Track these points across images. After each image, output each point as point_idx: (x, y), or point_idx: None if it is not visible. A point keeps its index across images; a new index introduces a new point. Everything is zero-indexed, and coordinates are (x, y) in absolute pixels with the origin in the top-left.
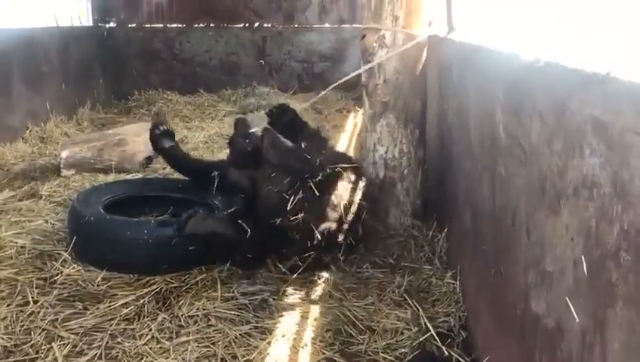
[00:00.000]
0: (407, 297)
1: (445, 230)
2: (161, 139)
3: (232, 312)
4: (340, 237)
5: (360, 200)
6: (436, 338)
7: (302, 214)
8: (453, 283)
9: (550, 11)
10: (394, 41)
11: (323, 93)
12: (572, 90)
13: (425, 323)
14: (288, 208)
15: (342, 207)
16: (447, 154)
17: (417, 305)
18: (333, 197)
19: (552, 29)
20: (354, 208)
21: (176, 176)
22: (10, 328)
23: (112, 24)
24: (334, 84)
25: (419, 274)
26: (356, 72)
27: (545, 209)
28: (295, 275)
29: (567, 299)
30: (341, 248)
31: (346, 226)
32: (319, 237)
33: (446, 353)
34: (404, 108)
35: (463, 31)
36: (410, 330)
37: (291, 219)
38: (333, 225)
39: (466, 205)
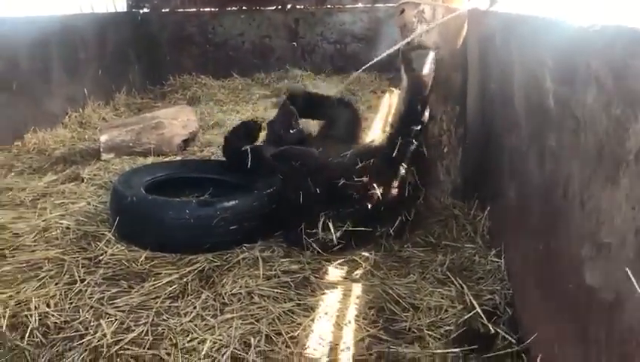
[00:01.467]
0: (450, 275)
1: (488, 208)
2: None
3: (275, 290)
4: (397, 210)
5: (418, 179)
6: (482, 315)
7: (364, 178)
8: (497, 261)
9: None
10: (433, 15)
11: (361, 70)
12: (634, 52)
13: (470, 301)
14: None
15: (403, 181)
16: (489, 129)
17: (461, 283)
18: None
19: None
20: (413, 185)
21: (214, 158)
22: (59, 305)
23: (145, 9)
24: (375, 60)
25: (461, 252)
26: (396, 47)
27: (601, 178)
28: (336, 249)
29: (627, 270)
30: (395, 222)
31: (403, 200)
32: (380, 197)
33: (492, 330)
34: (444, 84)
35: (505, 3)
36: (455, 308)
37: (356, 179)
38: (393, 194)
39: (510, 180)
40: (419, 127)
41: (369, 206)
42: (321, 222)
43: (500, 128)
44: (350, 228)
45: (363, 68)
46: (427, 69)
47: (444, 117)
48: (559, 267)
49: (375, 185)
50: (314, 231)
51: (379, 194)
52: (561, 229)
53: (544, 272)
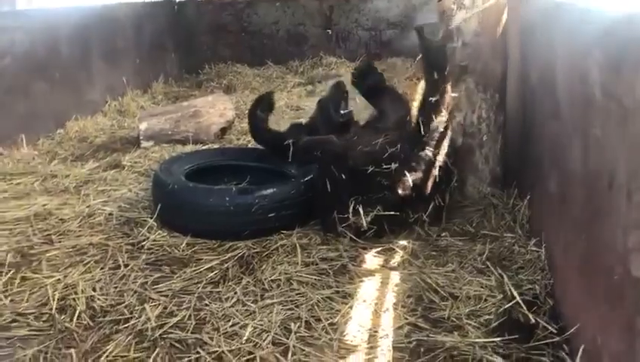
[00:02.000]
0: (489, 264)
1: (528, 197)
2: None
3: (314, 277)
4: (428, 195)
5: (450, 163)
6: (522, 305)
7: (396, 165)
8: (538, 251)
9: None
10: (473, 2)
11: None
12: None
13: (510, 290)
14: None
15: (433, 166)
16: (530, 118)
17: (501, 273)
18: (426, 154)
19: None
20: (444, 170)
21: (252, 145)
22: (104, 289)
23: None
24: None
25: (500, 242)
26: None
27: None
28: (369, 234)
29: None
30: (428, 208)
31: (434, 185)
32: (411, 184)
33: (532, 320)
34: (483, 72)
35: None
36: (495, 297)
37: (384, 166)
38: (424, 179)
39: (551, 170)
40: (436, 98)
41: (399, 191)
42: (350, 208)
43: (541, 117)
44: (380, 213)
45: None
46: (440, 35)
47: (483, 105)
48: (603, 258)
49: (403, 170)
50: (346, 216)
51: (408, 179)
52: (606, 220)
53: (587, 263)
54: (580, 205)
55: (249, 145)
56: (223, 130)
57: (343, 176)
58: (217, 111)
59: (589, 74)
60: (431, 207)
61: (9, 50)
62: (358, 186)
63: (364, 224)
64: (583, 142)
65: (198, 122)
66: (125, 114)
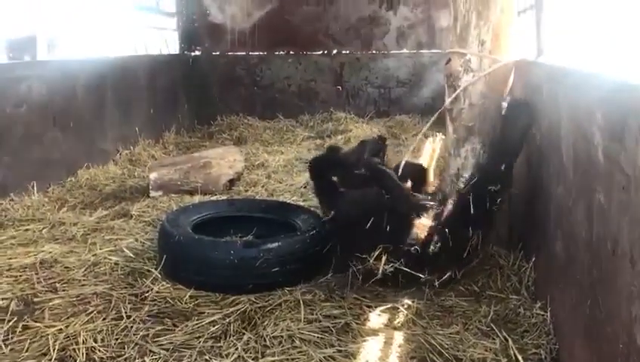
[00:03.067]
0: (494, 327)
1: (533, 258)
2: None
3: (316, 334)
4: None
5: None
6: None
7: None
8: (543, 314)
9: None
10: (480, 65)
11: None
12: None
13: (514, 354)
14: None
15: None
16: (536, 179)
17: (506, 336)
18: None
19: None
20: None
21: (259, 197)
22: (106, 341)
23: (197, 52)
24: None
25: (505, 303)
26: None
27: None
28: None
29: None
30: (444, 275)
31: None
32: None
33: None
34: (489, 133)
35: (553, 54)
36: (499, 361)
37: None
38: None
39: (556, 232)
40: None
41: (428, 252)
42: (376, 253)
43: (546, 179)
44: (400, 268)
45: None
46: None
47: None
48: (608, 324)
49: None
50: (364, 257)
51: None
52: (610, 286)
53: (592, 328)
54: (584, 270)
55: (257, 196)
56: (232, 182)
57: (385, 220)
58: (227, 162)
59: (592, 139)
60: (447, 275)
61: (26, 98)
62: (393, 234)
63: (380, 272)
64: (587, 206)
65: (208, 173)
66: (136, 163)
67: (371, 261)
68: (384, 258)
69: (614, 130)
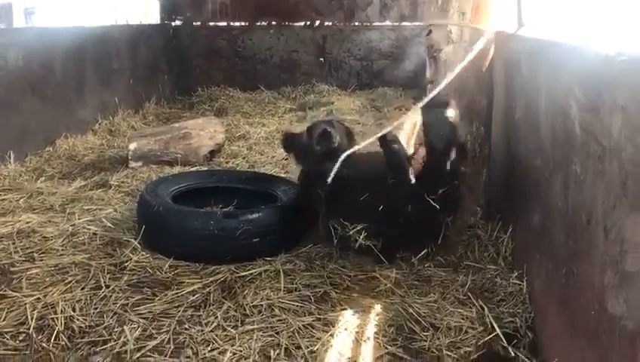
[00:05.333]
0: (471, 296)
1: (510, 230)
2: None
3: (295, 303)
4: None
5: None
6: (502, 338)
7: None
8: (519, 284)
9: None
10: (460, 36)
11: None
12: None
13: (490, 323)
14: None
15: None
16: (514, 151)
17: (482, 304)
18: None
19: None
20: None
21: (239, 168)
22: (84, 310)
23: (178, 22)
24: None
25: (483, 273)
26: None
27: (625, 207)
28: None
29: None
30: (421, 251)
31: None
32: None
33: (512, 353)
34: (469, 105)
35: (533, 27)
36: (475, 329)
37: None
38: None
39: (534, 204)
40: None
41: (404, 231)
42: (357, 228)
43: (524, 151)
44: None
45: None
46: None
47: (468, 137)
48: (582, 293)
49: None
50: (345, 229)
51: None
52: (584, 255)
53: (566, 297)
54: (560, 240)
55: (237, 168)
56: (213, 153)
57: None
58: (207, 133)
59: (569, 111)
60: (424, 252)
61: (2, 66)
62: (373, 212)
63: (356, 245)
64: (563, 178)
65: (188, 144)
66: (116, 134)
67: (351, 231)
68: (364, 233)
69: (590, 102)
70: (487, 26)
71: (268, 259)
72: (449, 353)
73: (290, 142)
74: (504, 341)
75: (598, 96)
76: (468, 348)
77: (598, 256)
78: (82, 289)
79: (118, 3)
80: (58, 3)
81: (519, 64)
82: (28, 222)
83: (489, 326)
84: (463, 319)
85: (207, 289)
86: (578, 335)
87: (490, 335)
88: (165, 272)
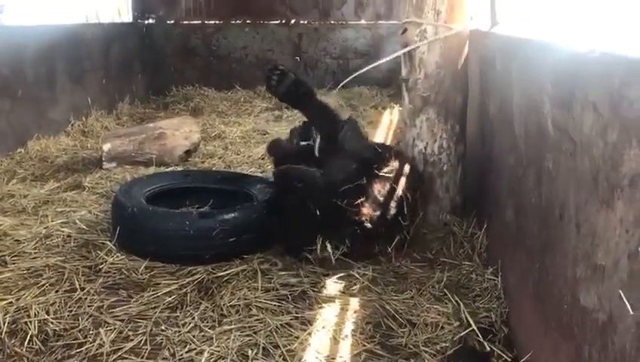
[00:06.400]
0: (447, 292)
1: (485, 226)
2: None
3: (273, 303)
4: (395, 229)
5: (417, 197)
6: (478, 333)
7: (363, 198)
8: (494, 279)
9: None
10: (435, 35)
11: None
12: (630, 80)
13: (466, 318)
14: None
15: (402, 200)
16: (489, 149)
17: (458, 300)
18: (395, 188)
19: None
20: (412, 204)
21: (215, 168)
22: (59, 313)
23: (151, 20)
24: (355, 74)
25: (458, 269)
26: (385, 59)
27: (596, 202)
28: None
29: (620, 292)
30: (393, 241)
31: (403, 220)
32: (378, 221)
33: (487, 348)
34: (444, 103)
35: (507, 25)
36: (451, 325)
37: (354, 201)
38: (392, 214)
39: (508, 200)
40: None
41: (367, 226)
42: (319, 245)
43: (499, 148)
44: (348, 247)
45: (347, 79)
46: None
47: (444, 135)
48: (554, 287)
49: (373, 205)
50: (314, 248)
51: (377, 214)
52: (557, 250)
53: (540, 292)
54: (534, 235)
55: (213, 168)
56: (188, 153)
57: (318, 212)
58: (182, 133)
59: (542, 108)
60: (397, 239)
61: None
62: (329, 220)
63: (333, 259)
64: (536, 174)
65: (163, 144)
66: (89, 134)
67: (319, 252)
68: (329, 246)
69: (563, 99)
70: (462, 25)
71: (245, 258)
72: (426, 349)
73: (275, 148)
74: (480, 336)
75: (570, 93)
76: (444, 344)
77: (571, 249)
78: (56, 292)
79: (89, 1)
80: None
81: (493, 62)
82: None
83: (465, 321)
84: (439, 315)
85: (184, 290)
86: (552, 328)
87: (466, 331)
88: (141, 274)
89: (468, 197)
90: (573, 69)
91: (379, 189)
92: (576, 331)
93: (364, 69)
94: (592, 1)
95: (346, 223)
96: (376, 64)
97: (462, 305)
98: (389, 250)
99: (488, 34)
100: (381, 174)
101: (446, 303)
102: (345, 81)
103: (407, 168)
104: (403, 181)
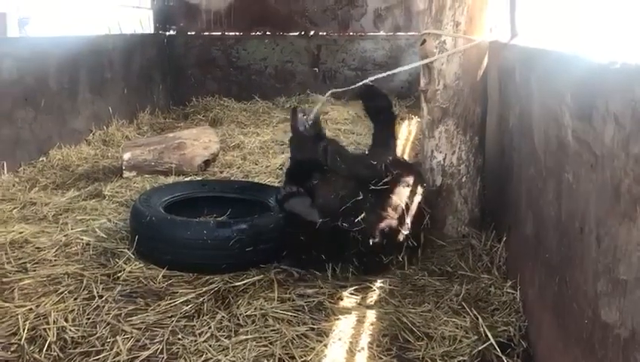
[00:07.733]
0: (465, 305)
1: (504, 239)
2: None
3: (289, 313)
4: (401, 238)
5: (422, 205)
6: (496, 347)
7: (363, 215)
8: (513, 293)
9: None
10: (455, 46)
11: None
12: None
13: (484, 332)
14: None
15: (403, 210)
16: (508, 160)
17: (476, 314)
18: (394, 199)
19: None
20: (415, 212)
21: (234, 178)
22: (77, 320)
23: (172, 32)
24: (357, 85)
25: (477, 283)
26: (399, 69)
27: (618, 215)
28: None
29: None
30: (402, 250)
31: (407, 229)
32: (380, 234)
33: None
34: (463, 115)
35: (526, 36)
36: (469, 338)
37: (354, 220)
38: (394, 225)
39: (527, 213)
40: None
41: (370, 243)
42: (329, 271)
43: (518, 160)
44: (357, 268)
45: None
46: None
47: (462, 146)
48: (575, 301)
49: (373, 222)
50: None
51: (379, 230)
52: (577, 264)
53: (560, 306)
54: (553, 248)
55: (232, 178)
56: (207, 163)
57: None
58: (202, 143)
59: (562, 120)
60: (404, 250)
61: None
62: (332, 244)
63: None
64: (556, 186)
65: (182, 154)
66: (109, 143)
67: (330, 277)
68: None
69: (583, 111)
70: (481, 36)
71: (262, 267)
72: None
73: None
74: (498, 350)
75: (591, 105)
76: (462, 358)
77: (591, 264)
78: (75, 299)
79: (111, 12)
80: (52, 13)
81: (513, 73)
82: (21, 233)
83: (483, 335)
84: (457, 328)
85: (201, 299)
86: (572, 343)
87: (484, 345)
88: (159, 282)
89: (487, 209)
90: (594, 80)
91: (377, 203)
92: (597, 347)
93: (373, 78)
94: (611, 12)
95: (348, 244)
96: (385, 74)
97: (480, 319)
98: (400, 258)
99: (508, 45)
100: (377, 188)
101: (464, 316)
102: (353, 87)
103: (408, 176)
104: (401, 190)
